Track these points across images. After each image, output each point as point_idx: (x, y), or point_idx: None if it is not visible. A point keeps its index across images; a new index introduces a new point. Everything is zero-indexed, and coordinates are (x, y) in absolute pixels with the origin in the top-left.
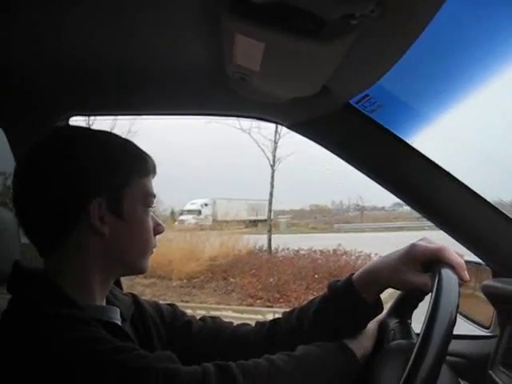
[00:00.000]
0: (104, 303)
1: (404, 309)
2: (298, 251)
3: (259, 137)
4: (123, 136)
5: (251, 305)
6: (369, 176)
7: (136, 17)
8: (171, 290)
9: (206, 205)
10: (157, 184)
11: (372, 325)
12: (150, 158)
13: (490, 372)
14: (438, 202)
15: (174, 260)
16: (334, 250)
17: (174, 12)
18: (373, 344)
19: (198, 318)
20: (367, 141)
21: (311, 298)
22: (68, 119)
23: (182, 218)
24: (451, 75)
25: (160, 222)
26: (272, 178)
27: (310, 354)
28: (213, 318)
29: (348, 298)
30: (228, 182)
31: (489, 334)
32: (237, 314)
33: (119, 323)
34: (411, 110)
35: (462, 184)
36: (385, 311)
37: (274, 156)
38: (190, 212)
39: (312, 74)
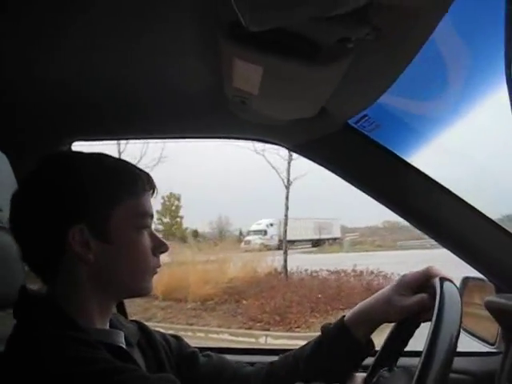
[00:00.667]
0: (107, 327)
1: (392, 352)
2: (312, 273)
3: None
4: (151, 161)
5: (250, 328)
6: (369, 195)
7: (136, 42)
8: (182, 312)
9: (271, 225)
10: (224, 206)
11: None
12: (143, 176)
13: None
14: (439, 220)
15: (191, 283)
16: (353, 270)
17: (173, 37)
18: None
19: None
20: (367, 160)
21: (312, 320)
22: (70, 144)
23: (248, 238)
24: (448, 94)
25: (163, 240)
26: (287, 198)
27: None
28: (217, 355)
29: (341, 339)
30: (292, 202)
31: (494, 351)
32: (233, 337)
33: (124, 346)
34: (410, 128)
35: (463, 201)
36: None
37: (288, 176)
38: (255, 232)
39: (310, 97)
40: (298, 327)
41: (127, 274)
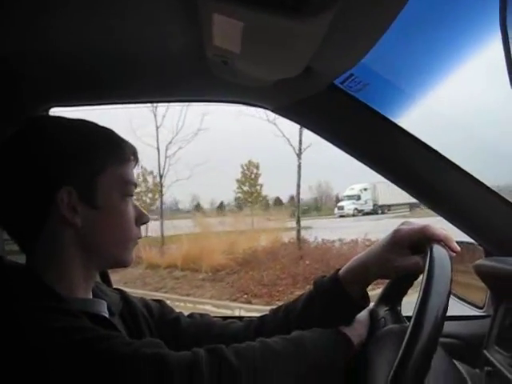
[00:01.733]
0: (90, 296)
1: (393, 296)
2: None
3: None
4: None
5: (235, 300)
6: (355, 157)
7: (112, 6)
8: (191, 282)
9: (365, 189)
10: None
11: (364, 313)
12: (128, 145)
13: (485, 352)
14: (427, 182)
15: (203, 253)
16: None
17: None
18: (367, 331)
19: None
20: (353, 121)
21: (297, 292)
22: (47, 111)
23: (341, 204)
24: (434, 51)
25: (144, 211)
26: (299, 167)
27: (305, 337)
28: (201, 314)
29: (334, 294)
30: None
31: (483, 314)
32: (214, 309)
33: (106, 315)
34: (397, 88)
35: (452, 163)
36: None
37: (301, 145)
38: (349, 198)
39: (294, 54)
40: (279, 300)
41: (112, 241)
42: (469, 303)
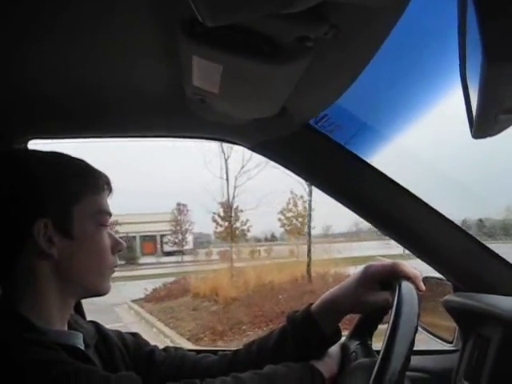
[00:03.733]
0: (66, 328)
1: (364, 330)
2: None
3: None
4: None
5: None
6: (329, 194)
7: (94, 41)
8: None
9: None
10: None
11: (335, 347)
12: (102, 175)
13: None
14: (397, 220)
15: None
16: None
17: (132, 36)
18: (338, 365)
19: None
20: (327, 160)
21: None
22: (26, 143)
23: None
24: (407, 95)
25: (119, 240)
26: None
27: (278, 372)
28: (176, 348)
29: (307, 329)
30: None
31: (452, 349)
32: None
33: (82, 348)
34: (370, 129)
35: (421, 201)
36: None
37: None
38: None
39: (270, 96)
40: (231, 340)
41: (88, 271)
42: (438, 338)
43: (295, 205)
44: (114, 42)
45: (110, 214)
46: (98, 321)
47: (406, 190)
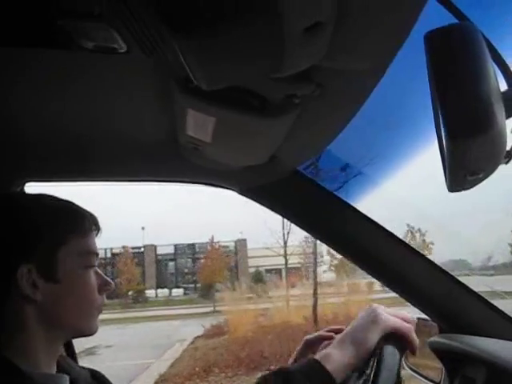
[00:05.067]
0: (53, 370)
1: None
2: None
3: None
4: None
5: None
6: (318, 238)
7: (87, 89)
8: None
9: None
10: None
11: None
12: (88, 216)
13: None
14: (384, 262)
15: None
16: None
17: (127, 85)
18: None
19: None
20: (315, 206)
21: None
22: (23, 186)
23: None
24: (397, 142)
25: (107, 279)
26: None
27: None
28: None
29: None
30: None
31: None
32: None
33: None
34: (358, 174)
35: (407, 245)
36: None
37: None
38: None
39: (260, 146)
40: None
41: (74, 313)
42: (425, 378)
43: (413, 238)
44: (109, 90)
45: (97, 255)
46: None
47: (392, 234)
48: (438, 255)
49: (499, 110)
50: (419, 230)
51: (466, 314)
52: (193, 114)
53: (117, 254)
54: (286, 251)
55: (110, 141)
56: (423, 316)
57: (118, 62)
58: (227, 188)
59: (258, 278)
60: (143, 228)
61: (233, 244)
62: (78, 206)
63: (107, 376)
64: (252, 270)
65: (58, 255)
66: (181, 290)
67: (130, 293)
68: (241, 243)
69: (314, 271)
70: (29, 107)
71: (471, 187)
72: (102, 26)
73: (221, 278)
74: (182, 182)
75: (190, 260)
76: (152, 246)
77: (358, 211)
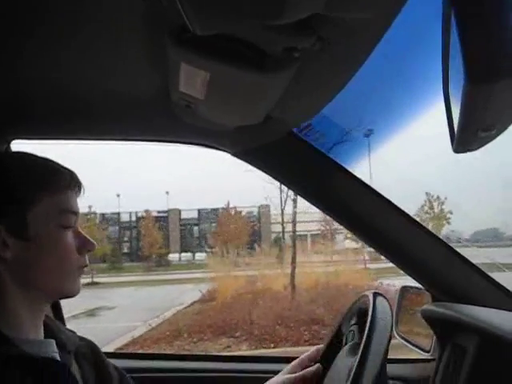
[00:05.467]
0: (40, 336)
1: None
2: None
3: None
4: None
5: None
6: (311, 202)
7: (79, 43)
8: None
9: None
10: None
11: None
12: (65, 174)
13: None
14: (378, 230)
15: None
16: None
17: (119, 39)
18: None
19: None
20: (310, 168)
21: None
22: (9, 143)
23: None
24: (393, 106)
25: (89, 238)
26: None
27: None
28: None
29: None
30: None
31: (429, 358)
32: None
33: (57, 356)
34: (353, 138)
35: (401, 211)
36: None
37: None
38: None
39: (256, 104)
40: None
41: (50, 273)
42: (416, 346)
43: (431, 207)
44: (101, 45)
45: (75, 213)
46: None
47: (388, 201)
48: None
49: None
50: (438, 197)
51: (459, 284)
52: (186, 68)
53: (141, 218)
54: (283, 218)
55: (102, 98)
56: (416, 285)
57: (112, 12)
58: (220, 149)
59: (278, 243)
60: (167, 192)
61: (256, 210)
62: (55, 164)
63: (92, 337)
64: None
65: (26, 213)
66: (203, 255)
67: (153, 256)
68: (264, 209)
69: (293, 239)
70: (15, 61)
71: (479, 147)
72: None
73: (239, 243)
74: (174, 142)
75: (213, 225)
76: (176, 210)
77: (353, 175)
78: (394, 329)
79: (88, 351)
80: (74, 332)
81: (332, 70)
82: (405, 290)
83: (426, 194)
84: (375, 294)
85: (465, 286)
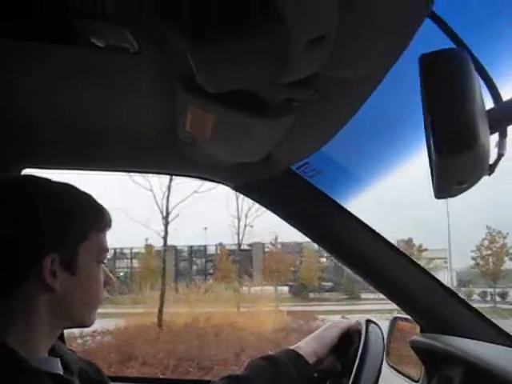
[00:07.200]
0: (46, 354)
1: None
2: None
3: None
4: None
5: None
6: (307, 236)
7: (92, 80)
8: None
9: None
10: None
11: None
12: (106, 212)
13: None
14: (372, 264)
15: None
16: None
17: (130, 79)
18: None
19: None
20: (306, 204)
21: None
22: (20, 172)
23: None
24: (389, 145)
25: (110, 275)
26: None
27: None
28: None
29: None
30: None
31: None
32: None
33: (61, 373)
34: (350, 175)
35: (395, 248)
36: None
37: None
38: None
39: (257, 144)
40: None
41: (83, 305)
42: (405, 376)
43: (493, 242)
44: (113, 83)
45: (108, 250)
46: None
47: (379, 235)
48: None
49: (484, 128)
50: (500, 232)
51: (445, 314)
52: (193, 110)
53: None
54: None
55: (109, 132)
56: (405, 315)
57: (122, 59)
58: (222, 183)
59: None
60: (205, 228)
61: None
62: (97, 201)
63: None
64: None
65: (79, 248)
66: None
67: None
68: None
69: (163, 277)
70: (35, 98)
71: (457, 195)
72: (116, 26)
73: None
74: (177, 175)
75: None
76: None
77: (348, 211)
78: (384, 358)
79: (91, 373)
80: (74, 352)
81: (327, 117)
82: (395, 320)
83: (487, 227)
84: (368, 322)
85: (449, 315)
